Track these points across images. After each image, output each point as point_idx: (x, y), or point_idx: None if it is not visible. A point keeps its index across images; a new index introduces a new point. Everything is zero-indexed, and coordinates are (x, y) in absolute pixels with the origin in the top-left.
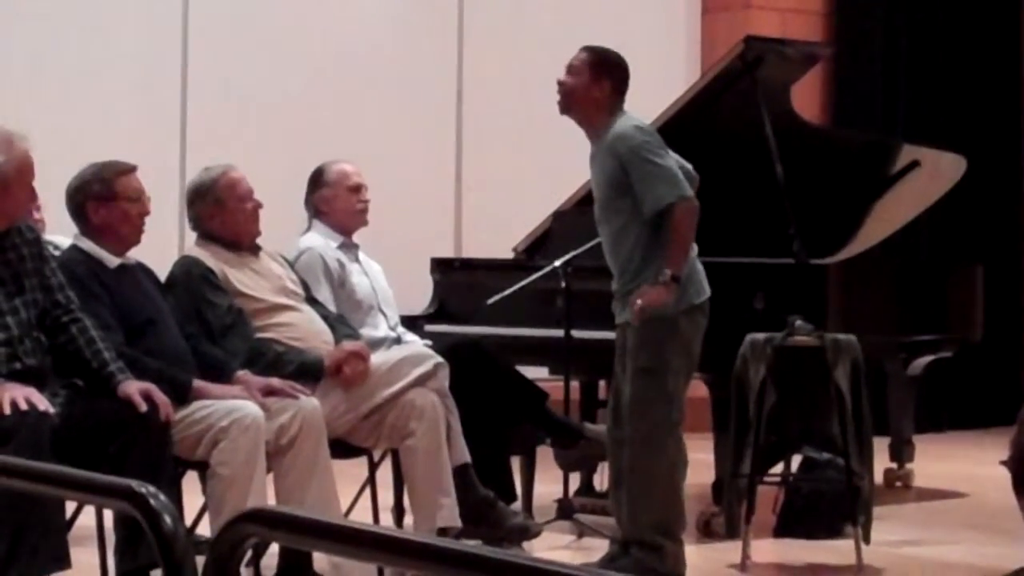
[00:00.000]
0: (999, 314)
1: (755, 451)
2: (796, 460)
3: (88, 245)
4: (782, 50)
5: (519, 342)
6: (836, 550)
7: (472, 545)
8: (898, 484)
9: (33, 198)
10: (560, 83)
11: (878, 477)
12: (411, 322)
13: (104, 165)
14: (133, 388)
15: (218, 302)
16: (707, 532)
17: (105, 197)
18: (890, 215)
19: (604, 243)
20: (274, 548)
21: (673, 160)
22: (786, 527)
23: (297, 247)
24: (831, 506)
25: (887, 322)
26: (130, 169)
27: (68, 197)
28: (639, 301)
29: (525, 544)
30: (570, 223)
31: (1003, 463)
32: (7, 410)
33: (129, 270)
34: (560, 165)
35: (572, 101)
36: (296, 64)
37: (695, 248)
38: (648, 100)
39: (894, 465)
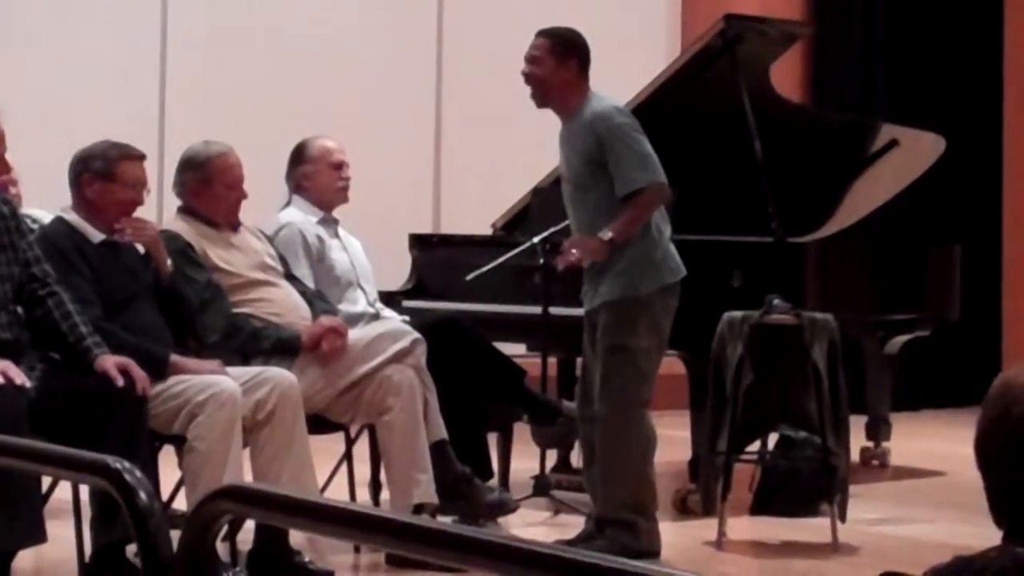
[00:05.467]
0: (976, 294)
1: (731, 429)
2: (773, 438)
3: (73, 218)
4: (762, 28)
5: (497, 319)
6: (812, 528)
7: (447, 523)
8: (874, 463)
9: (5, 169)
10: (526, 75)
11: (854, 455)
12: (389, 298)
13: (115, 145)
14: (110, 362)
15: (196, 277)
16: (683, 509)
17: (103, 175)
18: (868, 194)
19: (576, 224)
20: (250, 523)
21: (649, 144)
22: (762, 505)
23: (276, 222)
24: (807, 484)
25: (865, 301)
26: (137, 156)
27: (71, 164)
28: (574, 250)
29: (501, 520)
30: (549, 199)
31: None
32: None
33: (112, 246)
34: (539, 141)
35: (545, 90)
36: (275, 40)
37: (668, 229)
38: (628, 78)
39: (870, 444)
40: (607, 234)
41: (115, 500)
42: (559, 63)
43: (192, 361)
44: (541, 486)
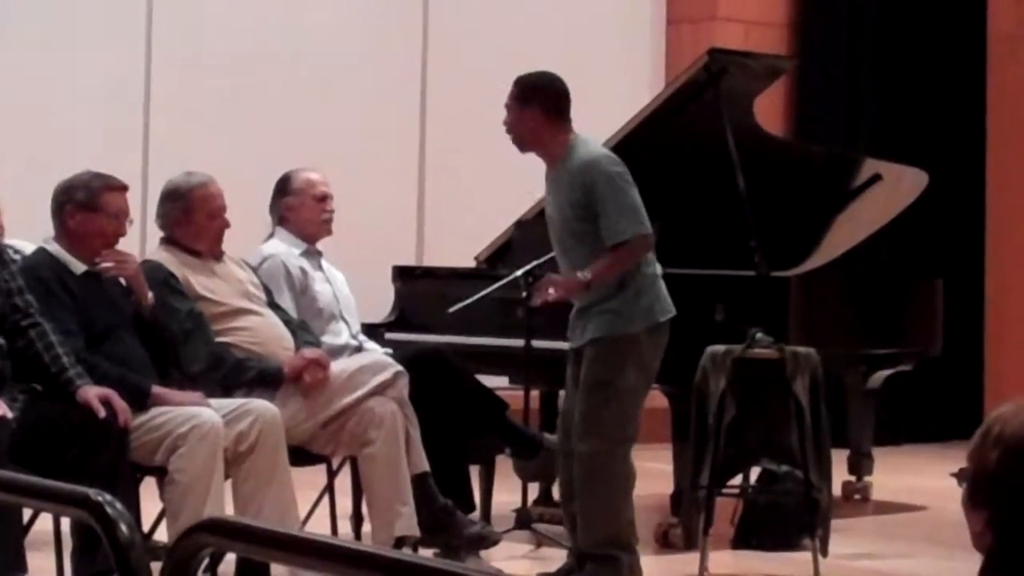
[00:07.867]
0: (959, 328)
1: (714, 463)
2: (755, 472)
3: (56, 249)
4: (746, 62)
5: (480, 351)
6: (793, 562)
7: (428, 556)
8: (856, 497)
9: None
10: (505, 124)
11: (836, 490)
12: (372, 330)
13: (97, 175)
14: (92, 393)
15: (179, 306)
16: (665, 543)
17: (86, 206)
18: (851, 228)
19: (566, 269)
20: (231, 556)
21: (637, 193)
22: (744, 539)
23: (260, 253)
24: (789, 519)
25: (847, 335)
26: (120, 187)
27: (53, 195)
28: (551, 289)
29: (483, 553)
30: (532, 232)
31: (954, 475)
32: None
33: (95, 277)
34: (523, 174)
35: (518, 139)
36: (259, 72)
37: (659, 267)
38: (612, 110)
39: (852, 478)
40: (586, 275)
41: (96, 532)
42: (522, 110)
43: (174, 393)
44: (523, 519)
